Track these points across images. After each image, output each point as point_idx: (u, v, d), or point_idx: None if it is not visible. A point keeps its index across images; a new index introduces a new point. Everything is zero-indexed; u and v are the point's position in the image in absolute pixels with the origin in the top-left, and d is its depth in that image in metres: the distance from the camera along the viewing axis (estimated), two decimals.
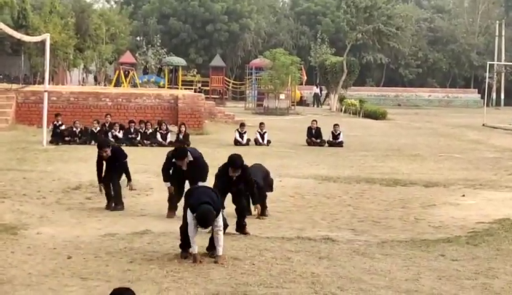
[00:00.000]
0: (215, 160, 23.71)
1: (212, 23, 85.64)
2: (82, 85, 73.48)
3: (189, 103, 35.07)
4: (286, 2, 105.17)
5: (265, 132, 30.40)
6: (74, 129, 28.94)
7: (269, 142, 30.03)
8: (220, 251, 10.38)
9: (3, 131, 30.63)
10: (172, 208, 14.05)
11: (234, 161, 12.58)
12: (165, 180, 14.17)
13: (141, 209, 14.89)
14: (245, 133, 30.03)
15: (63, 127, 29.13)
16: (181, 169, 13.67)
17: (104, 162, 14.79)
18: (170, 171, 14.07)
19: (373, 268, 10.21)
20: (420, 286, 9.43)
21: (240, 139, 29.57)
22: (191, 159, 13.66)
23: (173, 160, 13.76)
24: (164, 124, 29.63)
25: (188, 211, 10.44)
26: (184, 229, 10.58)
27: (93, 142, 27.94)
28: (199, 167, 13.83)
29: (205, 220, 10.25)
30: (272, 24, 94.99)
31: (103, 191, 14.77)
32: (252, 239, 11.80)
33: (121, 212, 14.31)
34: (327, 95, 73.03)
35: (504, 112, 69.85)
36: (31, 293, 8.72)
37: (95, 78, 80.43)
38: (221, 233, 10.45)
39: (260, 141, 29.93)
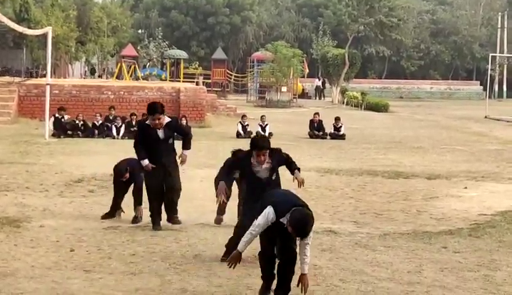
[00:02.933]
0: (217, 152, 23.81)
1: (213, 16, 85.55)
2: (84, 78, 73.48)
3: (191, 96, 35.07)
4: None
5: (267, 124, 30.41)
6: (77, 122, 28.95)
7: (270, 134, 29.99)
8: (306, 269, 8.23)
9: (5, 124, 30.65)
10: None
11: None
12: (140, 158, 11.91)
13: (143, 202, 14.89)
14: (247, 125, 30.04)
15: (66, 118, 29.12)
16: (157, 136, 11.69)
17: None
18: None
19: (376, 261, 10.23)
20: (422, 278, 9.45)
21: (242, 132, 29.58)
22: (169, 120, 11.84)
23: (146, 122, 11.89)
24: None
25: (268, 210, 8.14)
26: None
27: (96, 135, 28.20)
28: (181, 128, 12.48)
29: (304, 229, 7.97)
30: (274, 17, 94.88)
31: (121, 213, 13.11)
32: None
33: (123, 205, 14.07)
34: (323, 84, 73.18)
35: (506, 104, 69.84)
36: (34, 285, 8.74)
37: (92, 71, 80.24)
38: (309, 252, 8.21)
39: (262, 133, 29.91)
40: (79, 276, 9.19)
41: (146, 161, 11.74)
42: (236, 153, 11.35)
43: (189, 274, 9.39)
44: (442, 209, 14.55)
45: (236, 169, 10.20)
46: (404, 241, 11.56)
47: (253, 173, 9.50)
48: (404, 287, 9.03)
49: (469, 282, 9.32)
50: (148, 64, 72.65)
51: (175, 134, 12.21)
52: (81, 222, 12.53)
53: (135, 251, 10.45)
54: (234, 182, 11.47)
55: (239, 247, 8.22)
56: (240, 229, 9.06)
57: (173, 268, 9.66)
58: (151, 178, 11.88)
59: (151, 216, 12.09)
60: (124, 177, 12.64)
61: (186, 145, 12.19)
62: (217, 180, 10.66)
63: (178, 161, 12.16)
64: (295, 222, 7.86)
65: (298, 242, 8.20)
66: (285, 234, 8.20)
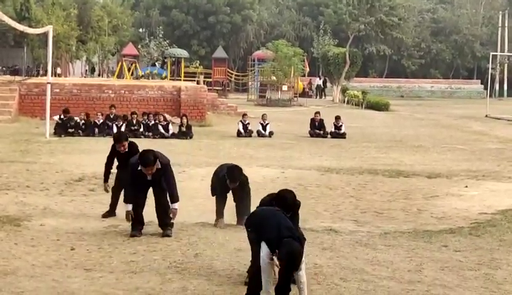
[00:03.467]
0: (218, 151, 23.84)
1: (214, 15, 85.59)
2: (85, 77, 73.49)
3: (192, 95, 35.08)
4: None
5: (267, 123, 30.41)
6: (78, 121, 28.94)
7: (271, 133, 30.02)
8: None
9: (6, 123, 30.66)
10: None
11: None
12: (126, 202, 11.58)
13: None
14: (248, 123, 30.05)
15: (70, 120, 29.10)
16: (145, 179, 11.41)
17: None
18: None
19: (376, 259, 10.23)
20: (423, 276, 9.45)
21: (242, 131, 29.57)
22: (159, 167, 11.32)
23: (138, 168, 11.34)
24: (160, 115, 29.47)
25: (264, 246, 8.18)
26: (255, 272, 8.42)
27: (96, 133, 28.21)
28: (167, 178, 11.52)
29: (294, 261, 7.96)
30: (275, 16, 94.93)
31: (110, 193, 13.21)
32: None
33: (121, 202, 13.86)
34: (324, 83, 73.09)
35: (507, 103, 69.83)
36: (34, 284, 8.75)
37: (92, 70, 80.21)
38: (305, 278, 8.16)
39: (263, 132, 29.93)
40: (80, 275, 9.19)
41: (129, 207, 11.35)
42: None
43: (190, 273, 9.39)
44: (443, 208, 14.54)
45: None
46: (404, 239, 11.56)
47: None
48: (404, 286, 9.03)
49: (470, 281, 9.32)
50: (156, 63, 72.63)
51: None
52: (82, 220, 12.52)
53: (135, 250, 10.45)
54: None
55: (264, 289, 8.16)
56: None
57: (173, 267, 9.66)
58: (135, 186, 11.45)
59: (132, 224, 11.50)
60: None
61: (173, 198, 11.43)
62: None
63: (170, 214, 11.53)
64: (285, 257, 7.86)
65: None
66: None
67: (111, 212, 12.99)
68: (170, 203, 11.37)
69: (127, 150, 12.88)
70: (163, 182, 11.42)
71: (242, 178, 12.22)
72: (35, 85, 34.65)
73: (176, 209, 11.34)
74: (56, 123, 28.42)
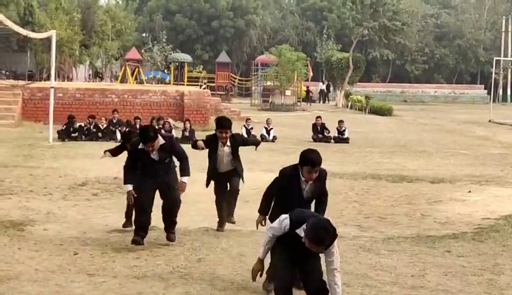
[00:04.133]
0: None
1: (217, 19, 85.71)
2: (88, 81, 73.55)
3: (195, 99, 35.13)
4: None
5: (272, 128, 30.41)
6: (83, 124, 29.00)
7: (275, 138, 30.02)
8: None
9: (9, 127, 30.70)
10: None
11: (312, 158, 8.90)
12: (125, 182, 10.97)
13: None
14: (251, 128, 30.04)
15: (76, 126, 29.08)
16: (150, 158, 10.71)
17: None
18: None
19: (379, 264, 10.22)
20: (426, 282, 9.44)
21: (246, 135, 29.54)
22: (163, 142, 10.73)
23: (138, 146, 10.70)
24: (167, 123, 29.46)
25: (284, 218, 7.64)
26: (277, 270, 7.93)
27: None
28: (176, 151, 10.99)
29: (319, 234, 7.25)
30: (278, 20, 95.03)
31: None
32: (258, 235, 11.79)
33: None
34: (327, 88, 73.03)
35: (510, 108, 69.81)
36: (37, 289, 8.75)
37: (96, 75, 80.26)
38: (338, 273, 7.75)
39: (266, 136, 29.94)
40: (83, 280, 9.19)
41: (129, 187, 10.75)
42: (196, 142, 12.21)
43: (193, 278, 9.39)
44: (446, 213, 14.53)
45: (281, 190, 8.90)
46: (407, 245, 11.55)
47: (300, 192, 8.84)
48: (407, 291, 9.02)
49: (473, 286, 9.31)
50: (165, 71, 72.66)
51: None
52: (85, 225, 12.53)
53: (138, 255, 10.45)
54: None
55: (260, 254, 7.91)
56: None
57: (176, 272, 9.66)
58: (141, 192, 10.74)
59: (135, 229, 10.96)
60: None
61: (184, 172, 11.01)
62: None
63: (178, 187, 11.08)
64: (310, 227, 7.19)
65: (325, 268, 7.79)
66: (307, 258, 7.67)
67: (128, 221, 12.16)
68: (180, 177, 10.92)
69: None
70: (171, 163, 10.95)
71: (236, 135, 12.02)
72: (38, 89, 34.71)
73: (185, 183, 10.89)
74: (62, 130, 28.47)
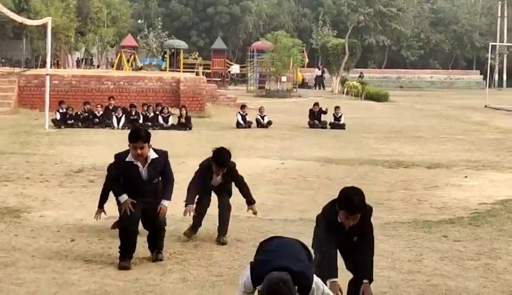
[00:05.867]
0: (217, 142, 23.80)
1: (213, 6, 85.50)
2: (78, 67, 73.33)
3: (191, 86, 35.06)
4: None
5: (265, 115, 30.36)
6: (79, 112, 28.97)
7: (269, 123, 29.95)
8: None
9: (5, 115, 30.65)
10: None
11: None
12: (117, 195, 9.53)
13: None
14: (246, 114, 30.02)
15: (69, 111, 29.00)
16: (138, 175, 9.26)
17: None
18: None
19: (376, 249, 10.20)
20: (423, 266, 9.46)
21: (242, 122, 29.55)
22: (155, 156, 9.27)
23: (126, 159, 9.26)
24: (165, 108, 29.50)
25: (246, 278, 6.07)
26: None
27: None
28: (166, 169, 9.50)
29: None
30: (274, 7, 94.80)
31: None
32: (255, 221, 11.80)
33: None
34: (322, 75, 72.92)
35: (506, 93, 69.78)
36: (34, 276, 8.75)
37: (86, 61, 79.97)
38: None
39: (261, 121, 29.94)
40: (80, 266, 9.20)
41: (124, 197, 9.25)
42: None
43: (190, 263, 9.40)
44: (443, 198, 14.54)
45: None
46: (404, 230, 11.57)
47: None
48: (404, 276, 9.04)
49: (470, 271, 9.32)
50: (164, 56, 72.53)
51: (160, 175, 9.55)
52: (82, 212, 12.52)
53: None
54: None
55: None
56: None
57: (173, 257, 9.67)
58: (127, 216, 9.35)
59: (120, 252, 9.43)
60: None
61: (167, 195, 9.48)
62: None
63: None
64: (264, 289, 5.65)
65: None
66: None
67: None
68: (162, 199, 9.40)
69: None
70: (159, 185, 9.46)
71: (231, 164, 10.56)
72: (34, 76, 34.63)
73: (166, 207, 9.41)
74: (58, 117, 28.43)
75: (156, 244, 9.65)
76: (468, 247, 10.46)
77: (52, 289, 8.32)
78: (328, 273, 7.19)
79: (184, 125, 28.33)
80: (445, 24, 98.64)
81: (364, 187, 15.91)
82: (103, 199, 10.88)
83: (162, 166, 9.32)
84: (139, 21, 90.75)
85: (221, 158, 10.30)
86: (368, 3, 72.55)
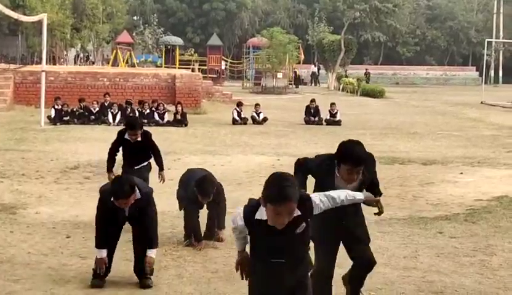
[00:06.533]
0: (213, 138, 23.82)
1: (208, 2, 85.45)
2: (79, 64, 73.35)
3: (187, 82, 35.04)
4: None
5: (260, 112, 30.35)
6: (74, 109, 28.95)
7: (265, 119, 29.94)
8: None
9: (1, 111, 30.61)
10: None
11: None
12: (98, 246, 8.52)
13: None
14: (242, 111, 30.02)
15: (65, 108, 28.97)
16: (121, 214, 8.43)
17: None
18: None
19: (371, 246, 10.22)
20: (418, 263, 9.46)
21: (238, 118, 29.55)
22: (139, 196, 8.33)
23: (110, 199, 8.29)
24: (161, 104, 29.48)
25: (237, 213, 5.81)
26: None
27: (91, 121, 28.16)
28: (148, 212, 8.53)
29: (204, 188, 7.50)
30: (269, 3, 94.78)
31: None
32: None
33: None
34: (318, 70, 72.86)
35: (502, 90, 69.85)
36: (30, 272, 8.75)
37: (81, 58, 79.91)
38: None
39: (256, 117, 29.93)
40: (75, 263, 9.20)
41: (103, 253, 8.44)
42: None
43: (185, 260, 9.41)
44: (438, 195, 14.55)
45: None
46: (400, 226, 11.57)
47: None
48: (400, 272, 9.04)
49: (465, 267, 9.33)
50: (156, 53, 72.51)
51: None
52: (77, 208, 12.52)
53: (130, 238, 10.37)
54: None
55: (237, 247, 6.01)
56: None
57: (169, 254, 9.67)
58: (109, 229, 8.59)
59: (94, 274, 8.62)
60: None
61: (151, 243, 8.52)
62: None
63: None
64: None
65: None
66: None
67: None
68: (146, 249, 8.51)
69: (139, 139, 11.15)
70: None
71: (217, 188, 10.17)
72: (30, 73, 34.57)
73: (152, 258, 8.50)
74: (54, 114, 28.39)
75: (143, 271, 8.58)
76: (463, 244, 10.47)
77: (48, 286, 8.31)
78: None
79: (180, 121, 28.30)
80: (441, 20, 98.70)
81: None
82: (111, 162, 11.50)
83: (145, 207, 8.43)
84: (134, 17, 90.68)
85: (205, 188, 9.84)
86: (364, 0, 72.49)
